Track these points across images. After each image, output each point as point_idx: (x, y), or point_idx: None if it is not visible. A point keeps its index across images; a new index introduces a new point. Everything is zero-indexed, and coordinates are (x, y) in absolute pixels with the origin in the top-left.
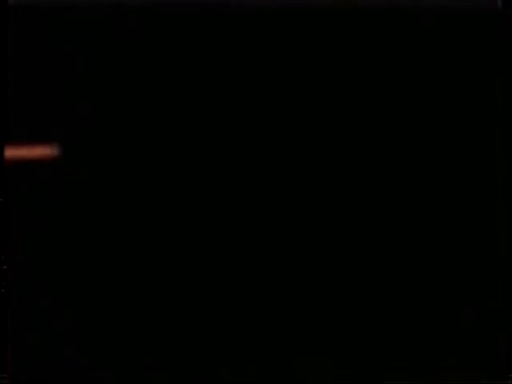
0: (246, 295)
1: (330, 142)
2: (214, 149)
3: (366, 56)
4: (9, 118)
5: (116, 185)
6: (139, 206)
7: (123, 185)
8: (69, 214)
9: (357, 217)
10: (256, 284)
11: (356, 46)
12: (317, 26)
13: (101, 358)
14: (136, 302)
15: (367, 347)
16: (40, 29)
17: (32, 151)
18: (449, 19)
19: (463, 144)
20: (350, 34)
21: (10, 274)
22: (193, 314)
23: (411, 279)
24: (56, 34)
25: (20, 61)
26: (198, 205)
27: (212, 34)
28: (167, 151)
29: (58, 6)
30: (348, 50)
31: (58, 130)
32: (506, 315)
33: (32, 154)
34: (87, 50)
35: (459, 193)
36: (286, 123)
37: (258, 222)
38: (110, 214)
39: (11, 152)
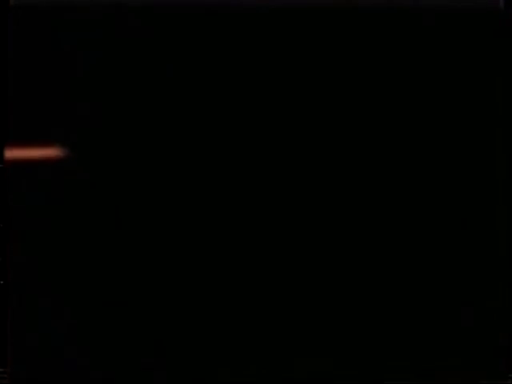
0: (246, 295)
1: (330, 142)
2: (214, 148)
3: (366, 56)
4: (9, 118)
5: (116, 185)
6: (139, 206)
7: (123, 185)
8: (69, 214)
9: (357, 217)
10: (256, 284)
11: (356, 45)
12: (317, 25)
13: (101, 357)
14: (136, 302)
15: (367, 347)
16: (40, 29)
17: (32, 151)
18: (449, 19)
19: (463, 144)
20: (350, 33)
21: (10, 274)
22: (193, 314)
23: (411, 279)
24: (56, 33)
25: (20, 61)
26: (198, 205)
27: (212, 33)
28: (168, 151)
29: (58, 6)
30: (348, 50)
31: (57, 129)
32: (506, 315)
33: (32, 154)
34: (87, 50)
35: (459, 193)
36: (286, 123)
37: (258, 222)
38: (110, 214)
39: (11, 152)
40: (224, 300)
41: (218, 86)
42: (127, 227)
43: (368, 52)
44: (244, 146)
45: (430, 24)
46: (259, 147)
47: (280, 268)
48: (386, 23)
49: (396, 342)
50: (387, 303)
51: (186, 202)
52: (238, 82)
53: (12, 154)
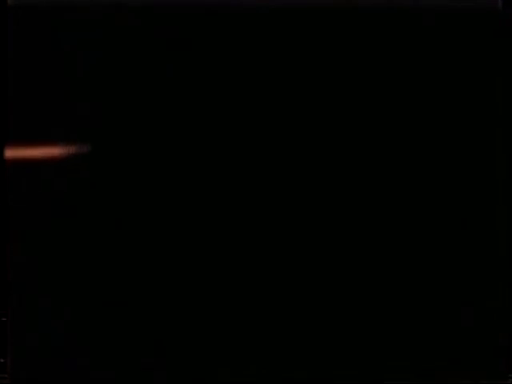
0: (246, 295)
1: (329, 142)
2: (214, 149)
3: (366, 56)
4: (9, 118)
5: (116, 185)
6: (139, 206)
7: (123, 185)
8: (69, 214)
9: (357, 217)
10: (256, 284)
11: (356, 45)
12: (317, 25)
13: (101, 357)
14: (136, 302)
15: (367, 347)
16: (40, 29)
17: (32, 151)
18: (449, 19)
19: (463, 144)
20: (350, 33)
21: (10, 274)
22: (193, 314)
23: (411, 279)
24: (56, 33)
25: (20, 61)
26: (198, 205)
27: (212, 34)
28: (168, 151)
29: (58, 6)
30: (348, 50)
31: (57, 129)
32: (506, 315)
33: (32, 154)
34: (87, 50)
35: (459, 193)
36: (287, 123)
37: (258, 222)
38: (110, 214)
39: (11, 152)
40: (224, 300)
41: (218, 85)
42: (127, 227)
43: (368, 52)
44: (244, 145)
45: (429, 24)
46: (259, 146)
47: (280, 268)
48: (385, 23)
49: (396, 342)
50: (387, 303)
51: (187, 202)
52: (238, 82)
53: (12, 153)
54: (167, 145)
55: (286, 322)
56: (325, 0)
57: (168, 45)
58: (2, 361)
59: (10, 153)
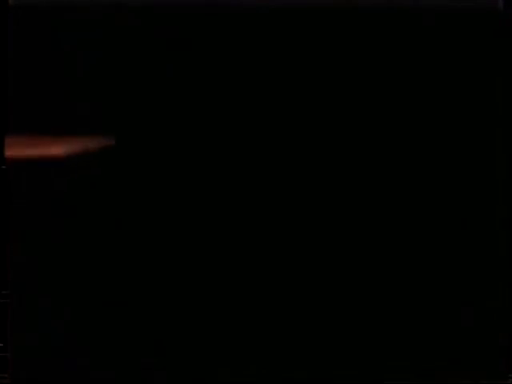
0: (246, 295)
1: (329, 142)
2: (214, 149)
3: (366, 56)
4: (9, 118)
5: (116, 184)
6: (140, 206)
7: (124, 184)
8: (69, 214)
9: (357, 217)
10: (256, 284)
11: (356, 45)
12: (317, 25)
13: (101, 357)
14: (136, 302)
15: (367, 347)
16: (40, 29)
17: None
18: (449, 19)
19: (463, 144)
20: (350, 34)
21: (10, 274)
22: (193, 314)
23: (411, 279)
24: (56, 33)
25: (20, 61)
26: (198, 205)
27: (212, 33)
28: (168, 151)
29: (58, 6)
30: (348, 50)
31: (57, 130)
32: (506, 315)
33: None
34: (87, 50)
35: (459, 193)
36: (287, 123)
37: (258, 222)
38: (110, 214)
39: (11, 151)
40: (224, 300)
41: (218, 85)
42: (127, 227)
43: (368, 52)
44: (244, 146)
45: (429, 24)
46: (259, 147)
47: (280, 268)
48: (385, 23)
49: (396, 342)
50: (387, 303)
51: (187, 202)
52: (238, 82)
53: (12, 153)
54: (168, 144)
55: (285, 321)
56: (325, 0)
57: (168, 45)
58: (2, 345)
59: (10, 152)
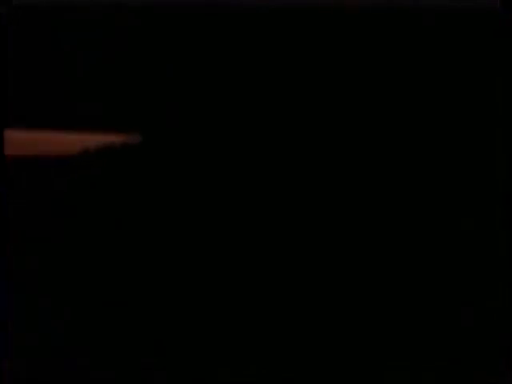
0: (246, 295)
1: (329, 142)
2: (214, 149)
3: (365, 56)
4: (9, 119)
5: (117, 184)
6: (140, 206)
7: (124, 184)
8: (69, 214)
9: (357, 217)
10: (256, 284)
11: (356, 46)
12: (317, 26)
13: (101, 357)
14: (136, 302)
15: (367, 347)
16: (40, 29)
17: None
18: (449, 19)
19: (463, 144)
20: (350, 34)
21: (10, 274)
22: (192, 314)
23: (411, 279)
24: (56, 33)
25: (20, 61)
26: (198, 204)
27: (212, 34)
28: (168, 151)
29: (58, 6)
30: (348, 50)
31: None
32: (506, 315)
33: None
34: (87, 50)
35: (459, 193)
36: (287, 123)
37: (258, 221)
38: (110, 214)
39: (11, 150)
40: (224, 300)
41: (218, 85)
42: (127, 227)
43: (368, 52)
44: (244, 146)
45: (429, 24)
46: (259, 147)
47: (280, 268)
48: (385, 23)
49: (396, 342)
50: (387, 303)
51: (186, 203)
52: (238, 82)
53: (12, 151)
54: (168, 144)
55: (285, 321)
56: (325, 0)
57: (168, 45)
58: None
59: (10, 151)
